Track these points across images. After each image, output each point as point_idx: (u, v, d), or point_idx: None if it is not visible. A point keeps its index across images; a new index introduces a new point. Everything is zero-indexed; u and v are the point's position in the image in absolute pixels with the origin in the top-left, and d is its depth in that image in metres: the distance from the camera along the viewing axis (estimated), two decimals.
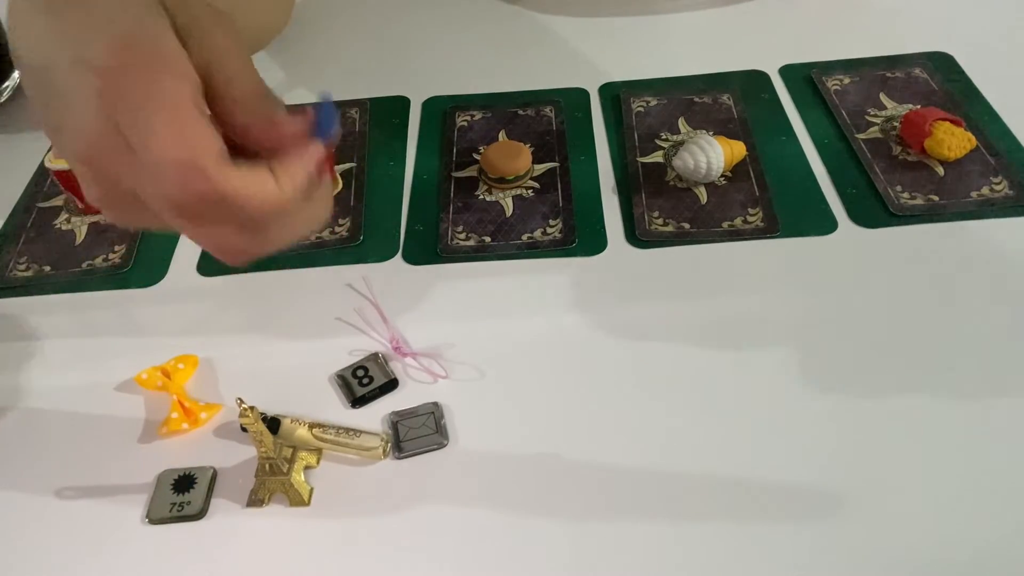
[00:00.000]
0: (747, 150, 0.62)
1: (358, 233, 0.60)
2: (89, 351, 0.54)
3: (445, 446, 0.47)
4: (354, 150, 0.67)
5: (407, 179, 0.64)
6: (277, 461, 0.45)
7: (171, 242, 0.61)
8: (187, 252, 0.60)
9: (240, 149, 0.38)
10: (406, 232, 0.60)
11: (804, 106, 0.67)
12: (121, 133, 0.35)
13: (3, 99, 0.75)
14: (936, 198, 0.58)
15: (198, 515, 0.45)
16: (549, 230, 0.59)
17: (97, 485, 0.47)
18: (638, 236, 0.58)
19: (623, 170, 0.63)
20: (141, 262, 0.60)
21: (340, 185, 0.63)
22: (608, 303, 0.54)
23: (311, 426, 0.47)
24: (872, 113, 0.65)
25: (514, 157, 0.62)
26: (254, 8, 0.74)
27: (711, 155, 0.59)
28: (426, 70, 0.74)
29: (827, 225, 0.57)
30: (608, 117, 0.68)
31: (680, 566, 0.42)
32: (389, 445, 0.47)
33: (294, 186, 0.38)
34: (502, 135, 0.67)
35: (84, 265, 0.59)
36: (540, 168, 0.63)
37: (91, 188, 0.37)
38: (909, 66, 0.69)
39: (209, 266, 0.59)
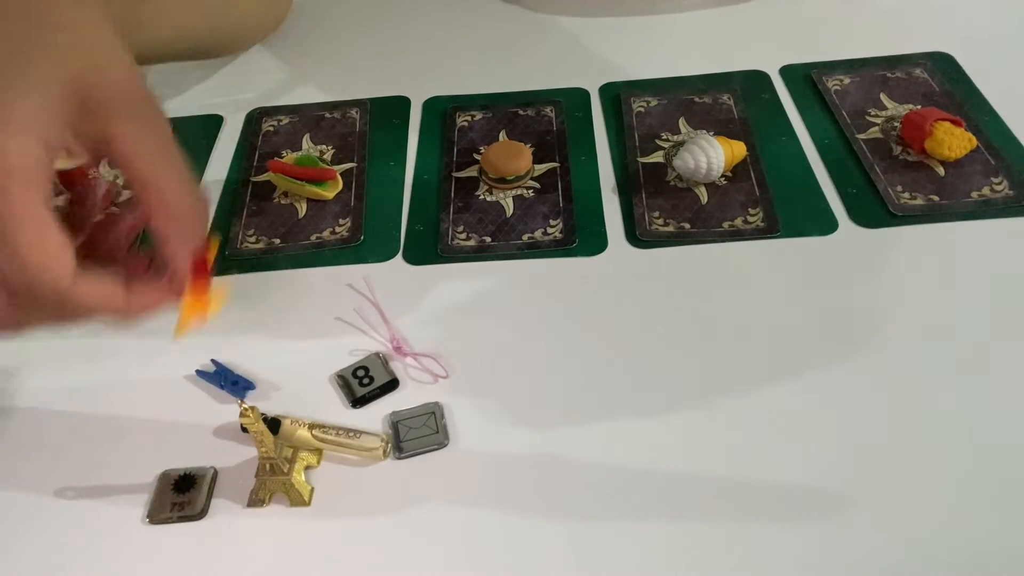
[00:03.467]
0: (747, 150, 0.62)
1: (358, 233, 0.60)
2: (88, 352, 0.54)
3: (445, 446, 0.47)
4: (354, 150, 0.67)
5: (407, 179, 0.64)
6: (278, 461, 0.45)
7: None
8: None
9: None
10: (406, 232, 0.60)
11: (804, 106, 0.67)
12: None
13: None
14: (936, 198, 0.58)
15: (198, 515, 0.45)
16: (549, 230, 0.59)
17: (97, 485, 0.47)
18: (638, 236, 0.58)
19: (623, 170, 0.63)
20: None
21: (340, 185, 0.63)
22: (608, 303, 0.54)
23: (311, 426, 0.47)
24: (872, 113, 0.65)
25: (514, 157, 0.62)
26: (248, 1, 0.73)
27: (711, 155, 0.59)
28: (426, 70, 0.74)
29: (827, 225, 0.57)
30: (608, 117, 0.68)
31: (680, 566, 0.42)
32: (389, 445, 0.47)
33: (141, 308, 0.40)
34: (502, 135, 0.67)
35: None
36: (540, 168, 0.63)
37: None
38: (909, 66, 0.69)
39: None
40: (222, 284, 0.44)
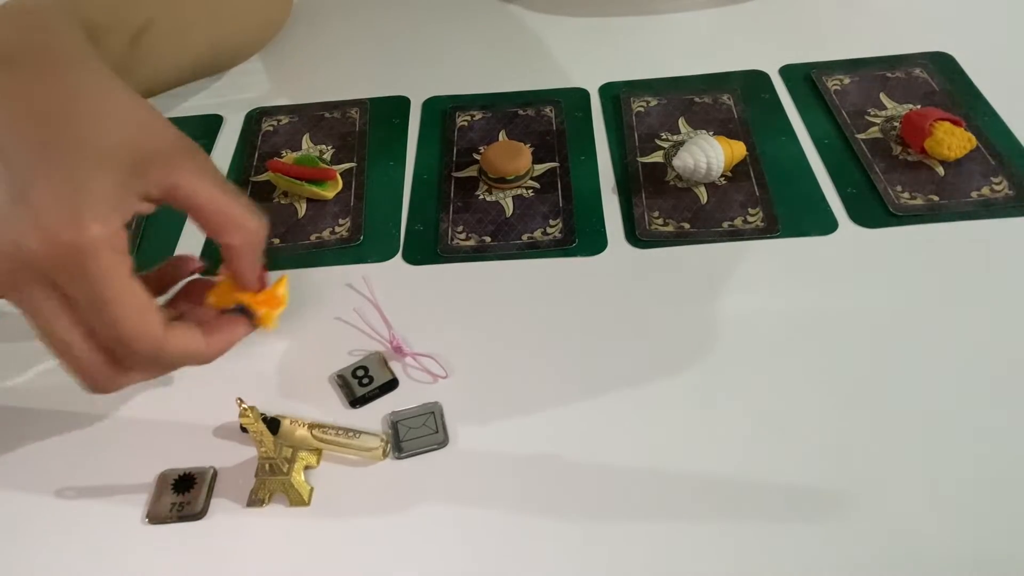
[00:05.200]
0: (747, 150, 0.62)
1: (358, 233, 0.60)
2: None
3: (445, 446, 0.47)
4: (354, 150, 0.67)
5: (407, 179, 0.64)
6: (277, 461, 0.45)
7: (170, 241, 0.61)
8: (187, 253, 0.60)
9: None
10: (406, 232, 0.60)
11: (804, 106, 0.67)
12: (58, 289, 0.40)
13: None
14: (936, 198, 0.58)
15: (198, 515, 0.45)
16: (549, 230, 0.59)
17: (97, 485, 0.47)
18: (638, 236, 0.58)
19: (623, 170, 0.63)
20: (143, 263, 0.59)
21: (340, 185, 0.63)
22: (608, 303, 0.54)
23: (311, 426, 0.47)
24: (872, 113, 0.65)
25: (514, 157, 0.62)
26: (234, 7, 0.73)
27: (711, 155, 0.59)
28: (426, 70, 0.74)
29: (827, 225, 0.57)
30: (608, 117, 0.68)
31: (680, 566, 0.42)
32: (389, 445, 0.47)
33: (219, 350, 0.45)
34: (502, 135, 0.67)
35: None
36: (540, 168, 0.63)
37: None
38: (909, 66, 0.69)
39: (208, 265, 0.58)
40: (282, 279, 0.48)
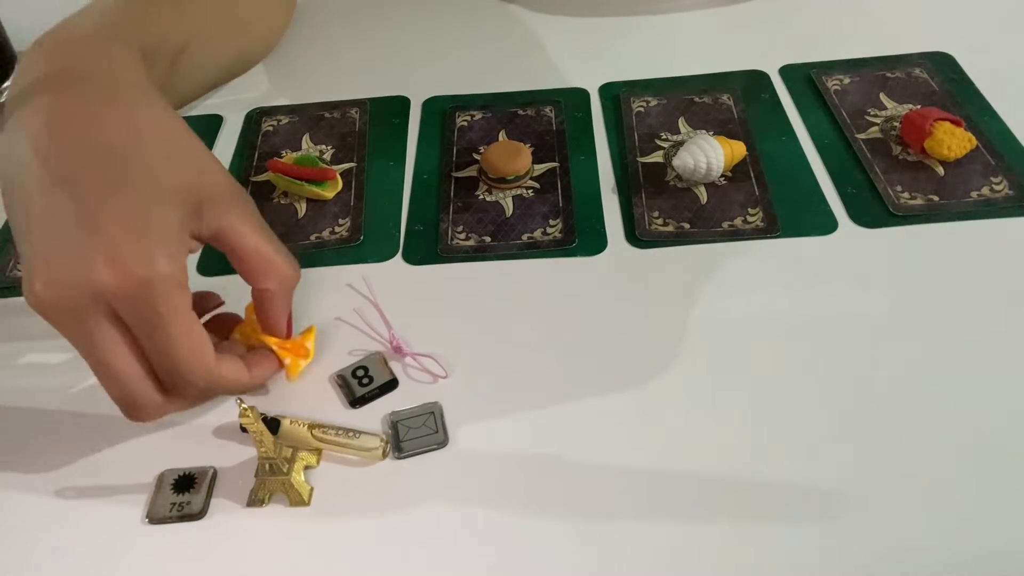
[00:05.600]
0: (747, 150, 0.62)
1: (358, 233, 0.60)
2: None
3: (445, 446, 0.47)
4: (354, 150, 0.67)
5: (407, 179, 0.64)
6: (277, 461, 0.45)
7: None
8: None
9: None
10: (406, 232, 0.60)
11: (804, 106, 0.67)
12: (120, 321, 0.42)
13: (3, 99, 0.75)
14: (936, 198, 0.58)
15: (198, 515, 0.45)
16: (549, 230, 0.59)
17: (97, 485, 0.47)
18: (638, 236, 0.58)
19: (623, 170, 0.63)
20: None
21: (340, 185, 0.63)
22: (608, 303, 0.54)
23: (311, 426, 0.47)
24: (872, 113, 0.65)
25: (514, 157, 0.62)
26: (258, 16, 0.74)
27: (711, 155, 0.59)
28: (426, 70, 0.74)
29: (827, 225, 0.57)
30: (608, 117, 0.68)
31: (680, 566, 0.42)
32: (389, 445, 0.47)
33: (262, 379, 0.49)
34: (502, 135, 0.67)
35: None
36: (540, 168, 0.63)
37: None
38: (909, 66, 0.69)
39: (209, 265, 0.59)
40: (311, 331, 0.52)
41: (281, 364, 0.50)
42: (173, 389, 0.44)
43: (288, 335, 0.50)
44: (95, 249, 0.40)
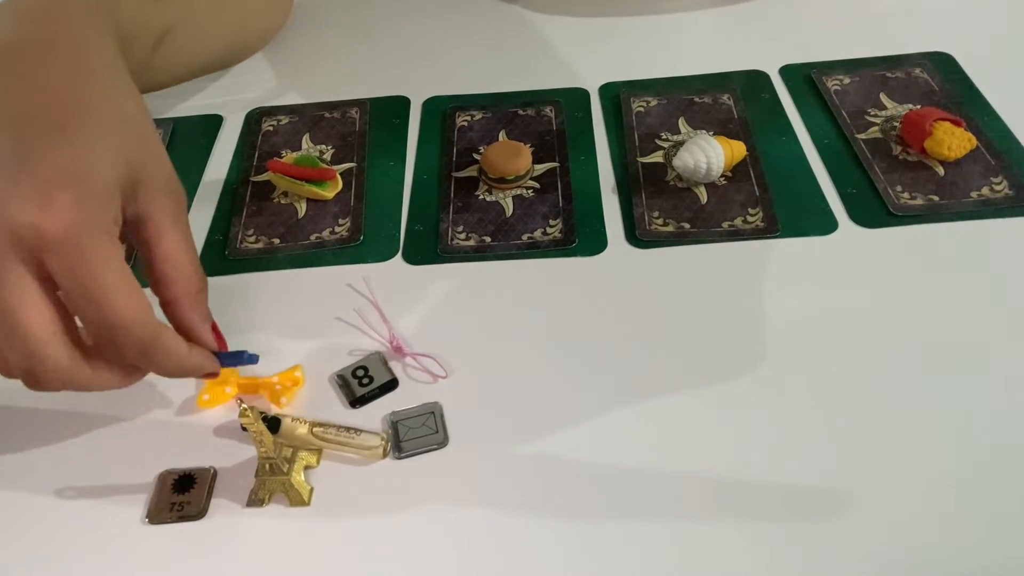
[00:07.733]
0: (747, 150, 0.62)
1: (358, 233, 0.60)
2: None
3: (445, 446, 0.47)
4: (354, 150, 0.67)
5: (407, 179, 0.64)
6: (277, 461, 0.45)
7: None
8: None
9: None
10: (406, 232, 0.60)
11: (804, 106, 0.67)
12: (42, 271, 0.39)
13: None
14: (936, 198, 0.58)
15: (198, 515, 0.45)
16: (549, 230, 0.59)
17: (97, 485, 0.47)
18: (638, 236, 0.58)
19: (623, 170, 0.63)
20: (140, 263, 0.60)
21: (340, 185, 0.63)
22: (608, 303, 0.54)
23: (311, 425, 0.47)
24: (872, 113, 0.65)
25: (514, 157, 0.62)
26: (254, 7, 0.74)
27: (711, 155, 0.59)
28: (426, 70, 0.74)
29: (827, 225, 0.57)
30: (608, 117, 0.68)
31: (681, 566, 0.42)
32: (389, 445, 0.47)
33: (199, 361, 0.45)
34: (502, 135, 0.67)
35: None
36: (540, 168, 0.63)
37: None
38: (909, 66, 0.69)
39: (208, 265, 0.59)
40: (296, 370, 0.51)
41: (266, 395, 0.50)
42: (107, 350, 0.41)
43: (222, 347, 0.47)
44: (25, 186, 0.38)
